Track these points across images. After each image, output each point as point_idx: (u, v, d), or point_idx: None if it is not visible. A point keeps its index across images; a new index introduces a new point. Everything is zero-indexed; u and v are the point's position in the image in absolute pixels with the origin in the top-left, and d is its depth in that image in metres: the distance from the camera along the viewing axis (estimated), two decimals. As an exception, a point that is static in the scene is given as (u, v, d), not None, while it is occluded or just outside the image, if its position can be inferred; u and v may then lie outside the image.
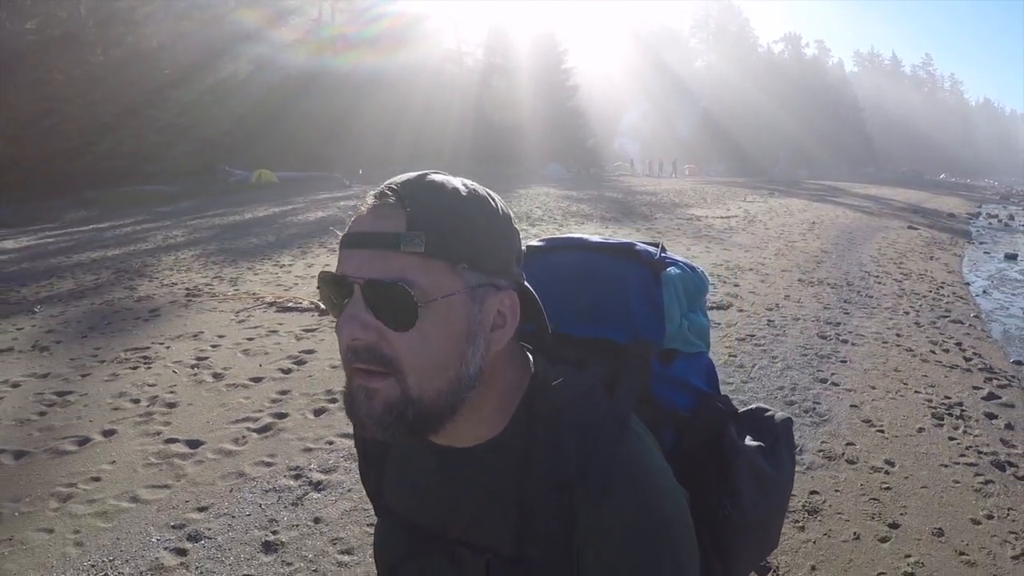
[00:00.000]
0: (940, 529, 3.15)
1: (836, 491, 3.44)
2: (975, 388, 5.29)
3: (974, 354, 6.30)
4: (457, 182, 0.73)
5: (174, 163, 30.07)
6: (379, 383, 0.69)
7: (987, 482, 3.66)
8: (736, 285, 8.44)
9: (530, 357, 0.81)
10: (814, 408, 4.53)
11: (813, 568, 2.75)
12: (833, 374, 5.29)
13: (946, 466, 3.83)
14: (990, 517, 3.30)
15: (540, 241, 1.01)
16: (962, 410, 4.73)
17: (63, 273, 9.57)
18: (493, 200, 0.74)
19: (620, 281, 0.91)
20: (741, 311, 7.04)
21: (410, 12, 45.48)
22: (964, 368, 5.81)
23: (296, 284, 8.31)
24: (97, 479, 3.50)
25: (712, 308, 7.04)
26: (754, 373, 5.13)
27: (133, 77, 31.20)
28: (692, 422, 0.90)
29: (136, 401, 4.52)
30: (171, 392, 4.68)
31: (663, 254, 0.94)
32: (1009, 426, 4.55)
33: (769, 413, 0.98)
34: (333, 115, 37.21)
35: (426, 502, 0.82)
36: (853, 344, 6.19)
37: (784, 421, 0.98)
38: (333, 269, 0.71)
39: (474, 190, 0.73)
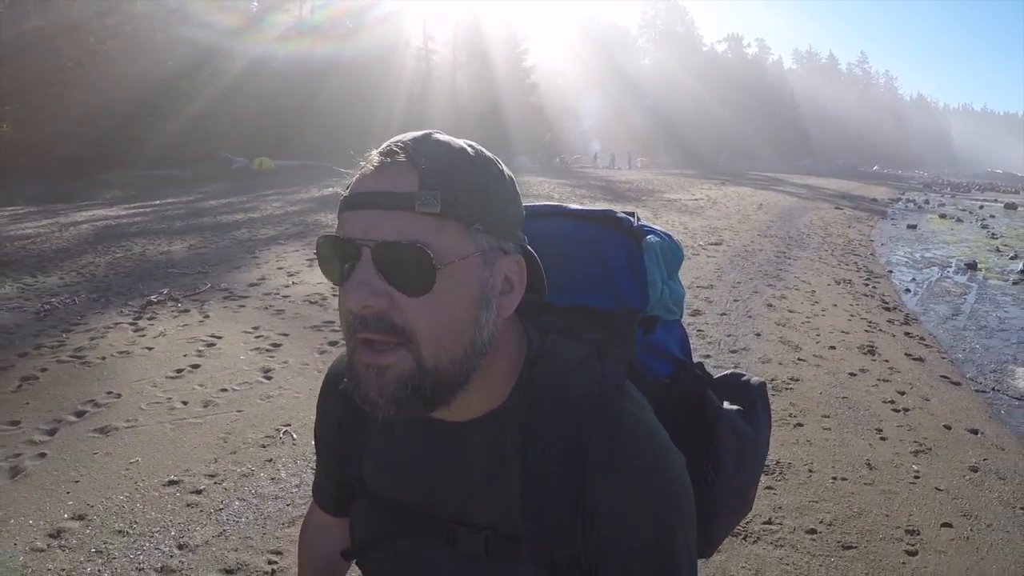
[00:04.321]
0: (835, 304, 7.57)
1: (793, 296, 7.86)
2: (860, 277, 9.84)
3: (864, 266, 10.92)
4: (463, 142, 0.70)
5: (178, 150, 31.56)
6: (390, 357, 0.65)
7: (858, 298, 8.13)
8: (721, 236, 12.84)
9: (522, 326, 0.78)
10: (778, 275, 9.01)
11: (788, 308, 7.09)
12: (786, 267, 9.76)
13: (841, 295, 8.30)
14: (858, 304, 7.74)
15: None
16: (851, 282, 9.26)
17: (246, 226, 11.97)
18: (499, 162, 0.72)
19: (600, 248, 0.89)
20: (729, 246, 11.44)
21: (378, 7, 46.87)
22: (855, 270, 10.39)
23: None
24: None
25: (713, 243, 11.45)
26: (745, 267, 9.50)
27: (136, 66, 32.68)
28: (673, 389, 0.89)
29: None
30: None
31: (640, 222, 0.91)
32: (874, 287, 9.09)
33: (745, 378, 0.97)
34: (316, 107, 38.72)
35: (415, 480, 0.79)
36: (794, 260, 10.66)
37: (759, 385, 0.97)
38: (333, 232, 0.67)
39: (481, 151, 0.71)
